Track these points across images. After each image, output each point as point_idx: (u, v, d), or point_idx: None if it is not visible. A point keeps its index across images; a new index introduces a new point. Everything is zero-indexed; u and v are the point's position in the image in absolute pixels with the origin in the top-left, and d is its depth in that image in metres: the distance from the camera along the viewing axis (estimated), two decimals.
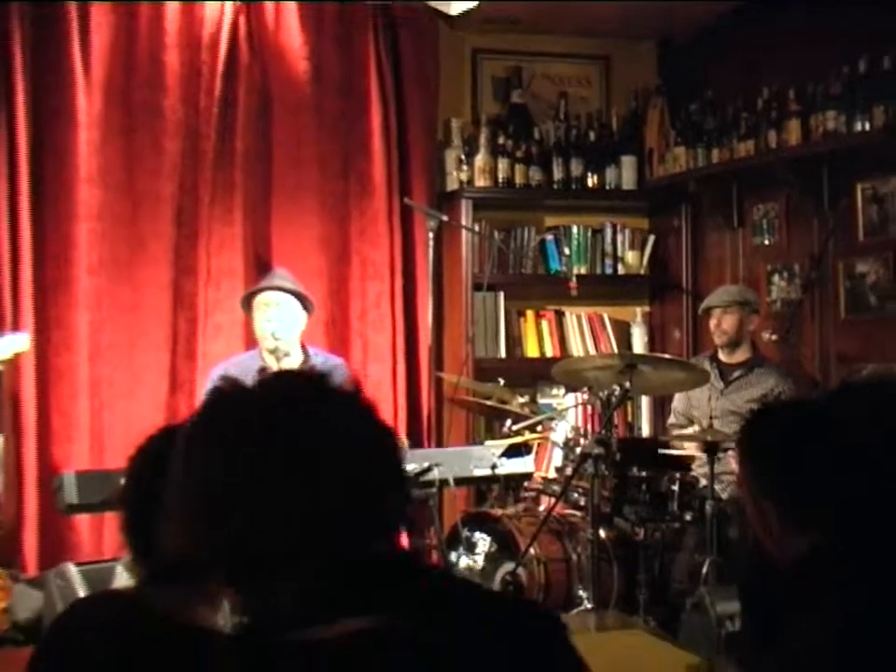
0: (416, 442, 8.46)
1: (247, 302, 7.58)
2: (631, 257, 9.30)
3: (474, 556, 7.38)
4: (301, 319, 7.49)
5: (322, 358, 7.54)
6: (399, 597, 1.98)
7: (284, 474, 2.01)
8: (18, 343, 6.98)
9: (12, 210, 7.92)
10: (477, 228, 8.86)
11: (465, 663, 1.93)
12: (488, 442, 8.06)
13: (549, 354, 9.17)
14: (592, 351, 9.19)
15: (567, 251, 9.02)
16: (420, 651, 1.90)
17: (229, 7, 8.38)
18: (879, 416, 3.08)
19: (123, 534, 2.97)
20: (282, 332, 7.32)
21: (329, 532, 2.01)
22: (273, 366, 7.31)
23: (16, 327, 7.62)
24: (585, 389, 7.83)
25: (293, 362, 7.32)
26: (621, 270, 9.33)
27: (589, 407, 8.51)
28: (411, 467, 6.86)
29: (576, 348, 9.25)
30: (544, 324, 9.27)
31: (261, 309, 7.41)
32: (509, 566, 7.13)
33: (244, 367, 7.17)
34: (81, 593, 6.53)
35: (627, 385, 7.08)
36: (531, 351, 9.22)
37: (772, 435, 3.17)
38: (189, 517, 2.08)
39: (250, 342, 8.04)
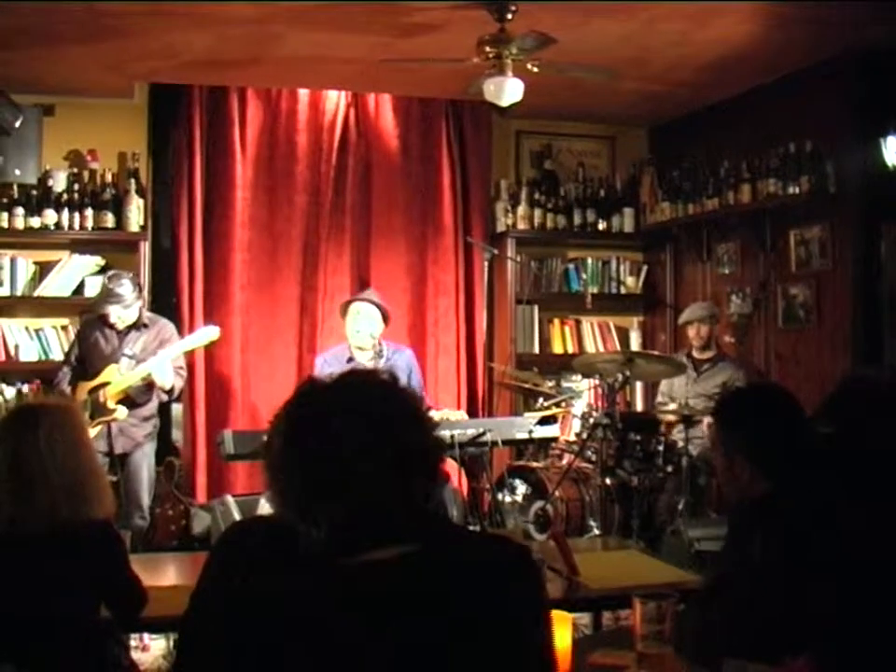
0: (473, 414, 8.41)
1: (344, 309, 7.50)
2: (630, 281, 9.29)
3: (515, 496, 7.53)
4: (379, 325, 7.33)
5: (394, 348, 7.49)
6: (428, 532, 2.11)
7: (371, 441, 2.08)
8: (211, 333, 7.08)
9: (190, 245, 8.17)
10: (518, 259, 8.89)
11: (471, 578, 2.04)
12: (526, 414, 8.01)
13: (570, 351, 9.14)
14: (601, 349, 9.17)
15: (584, 276, 9.09)
16: (445, 568, 2.05)
17: (343, 99, 8.53)
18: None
19: (266, 475, 3.18)
20: (364, 332, 7.25)
21: (394, 479, 2.10)
22: (357, 356, 7.31)
23: (192, 327, 7.83)
24: (597, 377, 7.79)
25: (371, 354, 7.20)
26: (622, 290, 9.29)
27: (599, 389, 8.33)
28: (470, 431, 6.95)
29: (590, 347, 9.22)
30: (567, 329, 9.25)
31: (352, 315, 7.36)
32: (540, 503, 7.27)
33: (336, 356, 7.41)
34: (237, 516, 6.73)
35: (627, 373, 7.29)
36: (557, 348, 9.20)
37: (743, 409, 3.28)
38: (302, 471, 2.16)
39: None
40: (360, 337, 7.28)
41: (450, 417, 7.34)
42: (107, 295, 6.95)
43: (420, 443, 2.17)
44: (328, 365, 7.33)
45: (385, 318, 7.44)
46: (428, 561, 2.06)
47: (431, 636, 2.01)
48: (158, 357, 6.86)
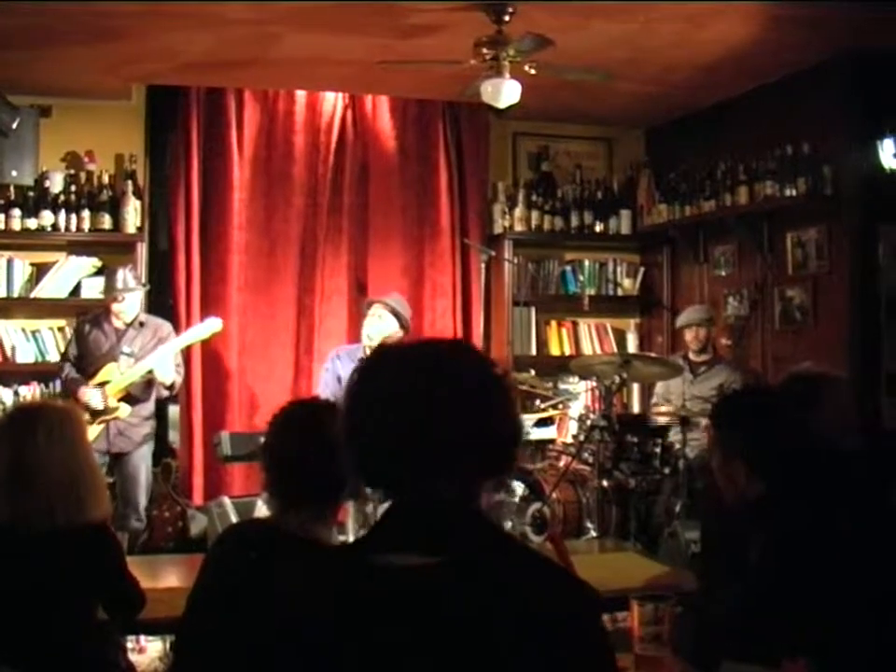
0: None
1: (367, 308, 7.42)
2: (627, 283, 9.27)
3: (512, 498, 7.31)
4: (394, 331, 7.26)
5: None
6: (472, 539, 1.87)
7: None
8: (214, 325, 7.20)
9: (187, 246, 8.18)
10: (516, 260, 8.89)
11: (514, 605, 1.75)
12: (523, 416, 7.55)
13: (567, 352, 9.11)
14: (598, 351, 9.13)
15: (581, 278, 9.09)
16: (481, 583, 1.78)
17: (340, 101, 8.54)
18: (805, 401, 3.37)
19: (264, 476, 3.05)
20: (376, 336, 7.18)
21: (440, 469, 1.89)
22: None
23: (188, 328, 7.69)
24: (593, 378, 7.83)
25: None
26: (619, 292, 9.28)
27: (596, 391, 8.39)
28: None
29: (587, 348, 9.19)
30: (564, 331, 9.23)
31: (370, 317, 7.30)
32: (537, 504, 7.18)
33: (350, 353, 7.39)
34: (234, 518, 6.66)
35: (624, 375, 7.28)
36: (554, 350, 9.17)
37: (739, 410, 3.29)
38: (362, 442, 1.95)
39: (351, 341, 8.06)
40: (370, 339, 7.20)
41: None
42: (112, 283, 7.10)
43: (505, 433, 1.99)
44: (339, 361, 7.35)
45: (403, 326, 7.37)
46: (466, 574, 1.81)
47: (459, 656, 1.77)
48: (159, 353, 6.94)
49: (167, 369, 6.98)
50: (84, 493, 3.45)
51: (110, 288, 7.14)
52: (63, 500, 3.38)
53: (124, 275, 7.12)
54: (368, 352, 7.30)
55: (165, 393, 7.21)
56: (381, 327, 7.28)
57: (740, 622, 2.89)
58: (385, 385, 1.95)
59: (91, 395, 6.91)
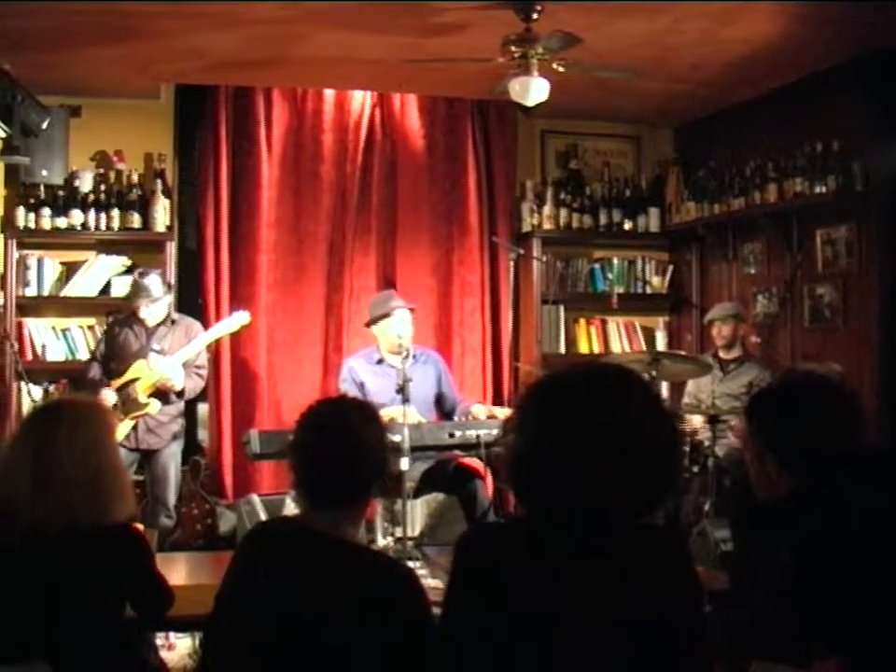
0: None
1: (382, 316, 7.31)
2: (656, 281, 9.24)
3: None
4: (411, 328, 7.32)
5: (421, 350, 7.46)
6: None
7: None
8: (241, 318, 7.26)
9: (216, 245, 8.22)
10: (544, 258, 8.84)
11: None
12: None
13: (596, 351, 9.09)
14: (627, 349, 9.10)
15: (609, 276, 9.02)
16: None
17: (368, 99, 8.56)
18: (834, 399, 3.34)
19: (293, 474, 3.04)
20: (407, 337, 7.07)
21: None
22: (387, 359, 7.27)
23: None
24: None
25: (400, 356, 6.76)
26: (648, 290, 9.26)
27: None
28: (495, 431, 6.70)
29: (616, 347, 9.14)
30: (593, 329, 9.19)
31: (397, 322, 7.22)
32: None
33: (365, 358, 7.41)
34: (262, 516, 6.80)
35: (653, 373, 7.16)
36: (583, 348, 9.12)
37: (771, 405, 3.22)
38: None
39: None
40: (403, 342, 6.99)
41: (498, 414, 7.27)
42: (137, 290, 7.13)
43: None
44: (356, 368, 7.34)
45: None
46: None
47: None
48: (188, 348, 7.06)
49: (176, 374, 7.02)
50: (106, 492, 3.42)
51: (134, 295, 7.19)
52: (85, 500, 3.36)
53: (150, 282, 7.15)
54: (384, 354, 7.38)
55: (175, 399, 7.19)
56: (410, 327, 7.31)
57: (770, 622, 2.86)
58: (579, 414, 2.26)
59: (109, 397, 6.94)
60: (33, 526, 3.32)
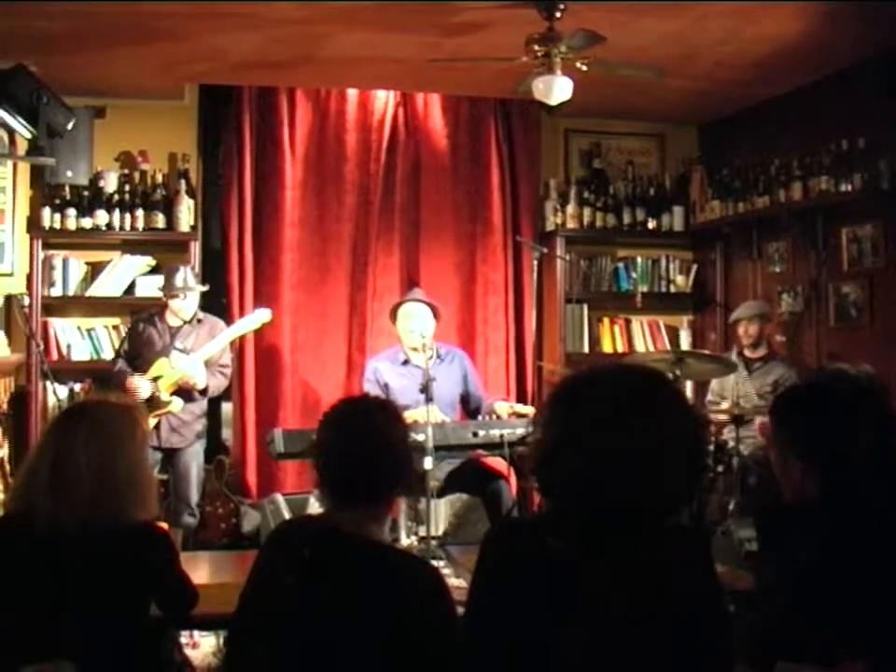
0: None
1: (394, 313, 7.43)
2: (680, 280, 9.20)
3: None
4: (430, 323, 7.30)
5: (446, 349, 7.50)
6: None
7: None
8: (263, 316, 7.29)
9: (240, 245, 8.24)
10: (568, 257, 8.83)
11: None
12: None
13: (620, 350, 9.09)
14: (651, 348, 9.10)
15: (633, 275, 9.02)
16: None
17: (391, 99, 8.57)
18: (859, 399, 3.33)
19: (317, 473, 3.04)
20: (417, 331, 7.12)
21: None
22: (412, 358, 7.27)
23: None
24: None
25: (426, 355, 6.90)
26: (672, 289, 9.22)
27: None
28: (519, 431, 6.83)
29: (640, 346, 9.15)
30: (616, 328, 9.18)
31: (403, 317, 7.31)
32: None
33: (390, 359, 7.40)
34: (286, 515, 6.80)
35: (677, 373, 7.15)
36: (607, 348, 9.12)
37: (796, 406, 3.16)
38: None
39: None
40: (414, 336, 7.16)
41: (520, 411, 7.26)
42: (173, 281, 7.19)
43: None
44: (381, 369, 7.34)
45: (436, 315, 7.43)
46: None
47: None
48: (211, 346, 7.09)
49: (198, 372, 7.04)
50: (127, 492, 3.40)
51: (171, 286, 7.20)
52: (105, 498, 3.35)
53: (185, 274, 7.22)
54: (409, 353, 7.38)
55: (198, 397, 7.21)
56: (420, 321, 7.29)
57: (794, 621, 2.85)
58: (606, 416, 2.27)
59: (138, 383, 6.96)
60: (53, 526, 3.32)
